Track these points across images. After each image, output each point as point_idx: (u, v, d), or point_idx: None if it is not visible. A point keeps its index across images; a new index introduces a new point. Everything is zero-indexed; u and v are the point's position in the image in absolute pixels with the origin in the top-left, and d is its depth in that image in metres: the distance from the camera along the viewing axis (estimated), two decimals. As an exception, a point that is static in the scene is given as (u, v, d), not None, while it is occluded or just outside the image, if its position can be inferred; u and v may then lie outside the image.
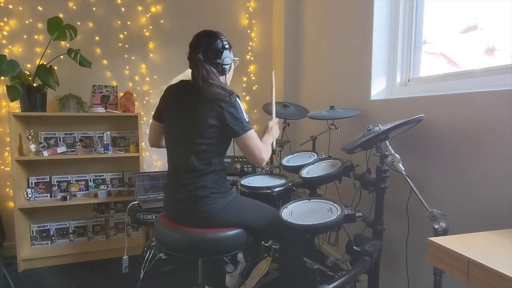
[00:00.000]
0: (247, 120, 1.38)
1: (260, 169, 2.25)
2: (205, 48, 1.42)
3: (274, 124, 1.66)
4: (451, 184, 1.44)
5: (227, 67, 1.46)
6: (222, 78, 1.46)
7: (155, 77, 2.89)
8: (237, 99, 1.37)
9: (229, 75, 1.52)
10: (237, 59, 1.58)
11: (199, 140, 1.35)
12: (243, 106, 1.41)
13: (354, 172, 1.64)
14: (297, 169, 1.84)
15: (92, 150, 2.68)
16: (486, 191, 1.29)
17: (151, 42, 2.86)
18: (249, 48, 3.13)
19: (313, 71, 2.71)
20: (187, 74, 1.49)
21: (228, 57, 1.45)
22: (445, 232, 1.14)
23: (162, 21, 2.87)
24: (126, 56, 2.82)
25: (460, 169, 1.40)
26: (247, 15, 3.10)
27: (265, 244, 1.90)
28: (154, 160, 2.92)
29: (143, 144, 2.76)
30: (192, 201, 1.38)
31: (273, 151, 2.35)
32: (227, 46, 1.44)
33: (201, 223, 1.39)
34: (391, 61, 1.94)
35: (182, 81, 1.51)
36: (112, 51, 2.78)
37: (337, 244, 1.95)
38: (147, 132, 2.87)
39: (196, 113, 1.36)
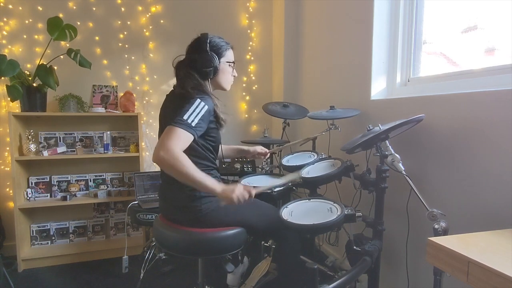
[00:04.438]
0: (187, 120, 1.22)
1: (260, 169, 2.25)
2: (190, 50, 1.44)
3: (237, 191, 1.24)
4: (451, 184, 1.44)
5: (207, 70, 1.40)
6: (207, 82, 1.42)
7: (155, 77, 2.89)
8: (199, 99, 1.28)
9: (220, 78, 1.47)
10: (232, 61, 1.50)
11: None
12: (205, 112, 1.29)
13: (354, 172, 1.64)
14: (297, 169, 1.84)
15: (92, 150, 2.68)
16: (486, 191, 1.29)
17: (151, 42, 2.86)
18: (249, 48, 3.13)
19: (313, 71, 2.71)
20: None
21: (207, 60, 1.39)
22: (445, 232, 1.14)
23: (162, 21, 2.87)
24: (126, 56, 2.82)
25: (460, 169, 1.39)
26: (247, 15, 3.10)
27: (265, 244, 1.90)
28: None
29: (143, 144, 2.76)
30: (186, 202, 1.38)
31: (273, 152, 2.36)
32: (208, 48, 1.39)
33: (198, 222, 1.39)
34: (391, 61, 1.94)
35: (171, 90, 1.53)
36: (112, 51, 2.78)
37: (337, 244, 1.95)
38: (147, 132, 2.89)
39: (167, 117, 1.36)
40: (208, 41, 1.41)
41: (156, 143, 1.22)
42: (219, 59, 1.43)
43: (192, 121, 1.24)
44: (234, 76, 1.55)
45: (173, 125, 1.20)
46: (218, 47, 1.44)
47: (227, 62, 1.48)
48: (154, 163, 1.22)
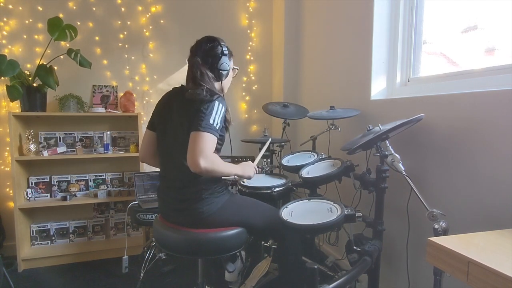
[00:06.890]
0: (213, 124, 1.28)
1: (260, 169, 2.25)
2: (204, 52, 1.44)
3: (251, 167, 1.54)
4: (451, 184, 1.44)
5: (224, 73, 1.47)
6: (218, 84, 1.48)
7: (155, 77, 2.89)
8: (218, 102, 1.32)
9: (226, 82, 1.53)
10: (237, 68, 1.60)
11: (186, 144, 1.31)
12: (223, 112, 1.34)
13: (354, 172, 1.64)
14: (297, 169, 1.84)
15: (92, 150, 2.68)
16: (486, 191, 1.29)
17: (151, 42, 2.86)
18: (249, 48, 3.13)
19: (313, 71, 2.71)
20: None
21: (225, 63, 1.46)
22: (445, 232, 1.14)
23: (162, 21, 2.87)
24: (126, 56, 2.82)
25: (460, 169, 1.40)
26: (247, 15, 3.10)
27: (265, 244, 1.90)
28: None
29: (143, 144, 2.76)
30: (188, 204, 1.38)
31: (273, 151, 2.36)
32: (226, 52, 1.46)
33: (199, 224, 1.39)
34: (391, 61, 1.94)
35: (173, 88, 1.53)
36: (112, 51, 2.78)
37: (337, 244, 1.95)
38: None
39: (182, 117, 1.36)
40: (225, 45, 1.47)
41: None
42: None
43: (217, 124, 1.30)
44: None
45: (202, 131, 1.25)
46: (229, 53, 1.50)
47: (234, 67, 1.56)
48: (196, 172, 1.25)
